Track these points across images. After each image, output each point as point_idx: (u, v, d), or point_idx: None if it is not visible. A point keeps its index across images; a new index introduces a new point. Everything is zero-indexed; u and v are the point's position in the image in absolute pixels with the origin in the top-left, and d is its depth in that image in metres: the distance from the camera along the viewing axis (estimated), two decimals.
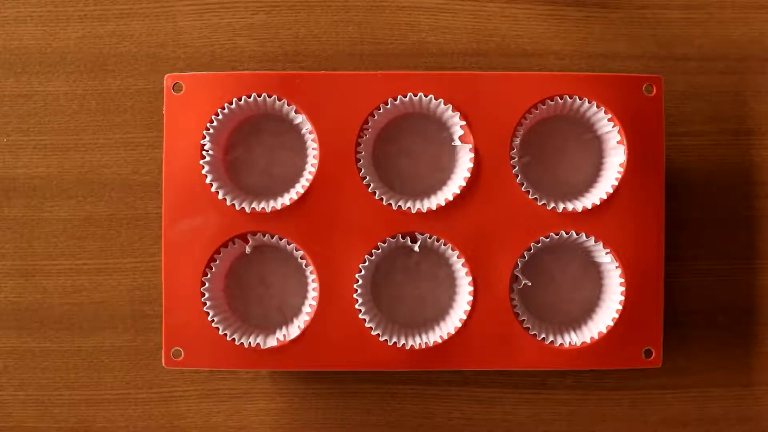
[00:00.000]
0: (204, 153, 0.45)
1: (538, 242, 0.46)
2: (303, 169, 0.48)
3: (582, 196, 0.48)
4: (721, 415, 0.51)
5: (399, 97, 0.45)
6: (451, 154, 0.48)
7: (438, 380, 0.51)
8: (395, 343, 0.45)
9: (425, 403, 0.51)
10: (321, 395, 0.51)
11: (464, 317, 0.45)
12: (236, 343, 0.45)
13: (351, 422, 0.51)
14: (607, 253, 0.46)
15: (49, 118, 0.51)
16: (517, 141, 0.46)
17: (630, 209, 0.46)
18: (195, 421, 0.51)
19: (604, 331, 0.46)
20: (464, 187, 0.45)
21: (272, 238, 0.46)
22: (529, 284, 0.47)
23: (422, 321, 0.48)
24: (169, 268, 0.45)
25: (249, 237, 0.46)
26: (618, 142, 0.46)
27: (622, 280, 0.46)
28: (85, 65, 0.51)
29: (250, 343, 0.45)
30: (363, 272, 0.45)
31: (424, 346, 0.46)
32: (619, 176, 0.46)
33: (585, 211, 0.46)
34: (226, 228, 0.45)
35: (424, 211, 0.45)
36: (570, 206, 0.46)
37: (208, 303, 0.45)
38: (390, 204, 0.45)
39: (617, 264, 0.46)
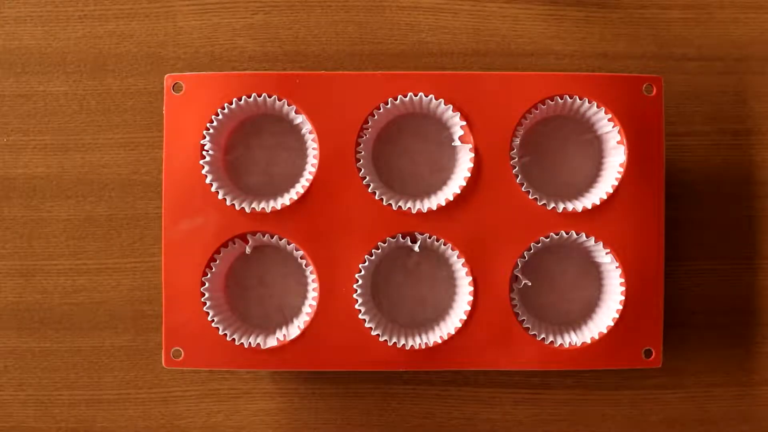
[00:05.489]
0: (204, 153, 0.45)
1: (538, 242, 0.46)
2: (303, 169, 0.48)
3: (582, 196, 0.48)
4: (721, 415, 0.51)
5: (399, 97, 0.45)
6: (451, 154, 0.48)
7: (438, 380, 0.51)
8: (395, 343, 0.45)
9: (425, 403, 0.51)
10: (321, 395, 0.51)
11: (464, 317, 0.45)
12: (236, 343, 0.45)
13: (351, 422, 0.51)
14: (607, 253, 0.46)
15: (49, 118, 0.51)
16: (517, 141, 0.46)
17: (630, 209, 0.46)
18: (195, 421, 0.51)
19: (604, 331, 0.46)
20: (464, 187, 0.45)
21: (272, 238, 0.46)
22: (529, 284, 0.47)
23: (422, 321, 0.48)
24: (169, 268, 0.45)
25: (249, 237, 0.46)
26: (618, 142, 0.46)
27: (622, 280, 0.46)
28: (85, 65, 0.51)
29: (250, 343, 0.45)
30: (363, 272, 0.45)
31: (424, 346, 0.46)
32: (619, 176, 0.46)
33: (585, 211, 0.46)
34: (226, 228, 0.45)
35: (424, 211, 0.45)
36: (570, 206, 0.46)
37: (208, 303, 0.45)
38: (390, 204, 0.45)
39: (617, 264, 0.46)
